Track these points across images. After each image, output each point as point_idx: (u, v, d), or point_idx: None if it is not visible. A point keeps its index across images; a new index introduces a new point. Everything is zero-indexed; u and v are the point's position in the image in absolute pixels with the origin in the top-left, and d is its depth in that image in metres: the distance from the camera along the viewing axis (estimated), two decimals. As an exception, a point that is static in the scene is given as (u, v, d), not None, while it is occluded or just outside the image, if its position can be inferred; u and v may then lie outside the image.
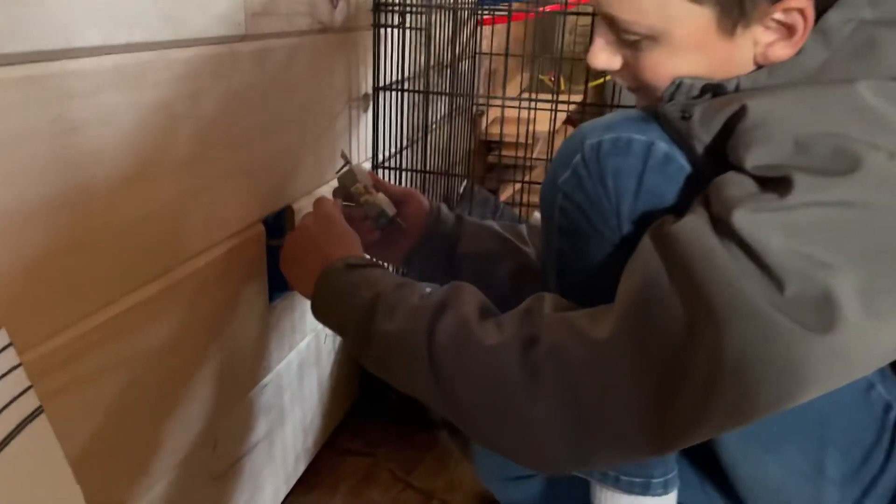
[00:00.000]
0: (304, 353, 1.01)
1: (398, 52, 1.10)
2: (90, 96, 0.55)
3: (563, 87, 2.58)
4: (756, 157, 0.55)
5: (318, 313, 0.74)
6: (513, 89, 2.18)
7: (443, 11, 1.28)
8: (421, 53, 1.17)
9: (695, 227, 0.55)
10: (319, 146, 0.95)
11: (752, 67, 0.61)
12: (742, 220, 0.52)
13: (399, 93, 1.11)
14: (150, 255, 0.65)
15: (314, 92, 0.91)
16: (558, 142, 2.19)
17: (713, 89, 0.61)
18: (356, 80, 1.03)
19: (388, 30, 1.08)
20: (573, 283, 0.71)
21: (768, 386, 0.51)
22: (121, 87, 0.58)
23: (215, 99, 0.70)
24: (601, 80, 2.73)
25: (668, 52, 0.61)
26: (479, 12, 1.53)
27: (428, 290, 0.70)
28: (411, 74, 1.18)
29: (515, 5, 1.73)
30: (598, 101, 2.79)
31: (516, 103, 1.57)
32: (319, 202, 0.82)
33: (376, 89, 1.07)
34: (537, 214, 1.70)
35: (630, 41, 0.62)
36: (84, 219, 0.57)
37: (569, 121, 2.39)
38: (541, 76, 2.79)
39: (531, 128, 1.90)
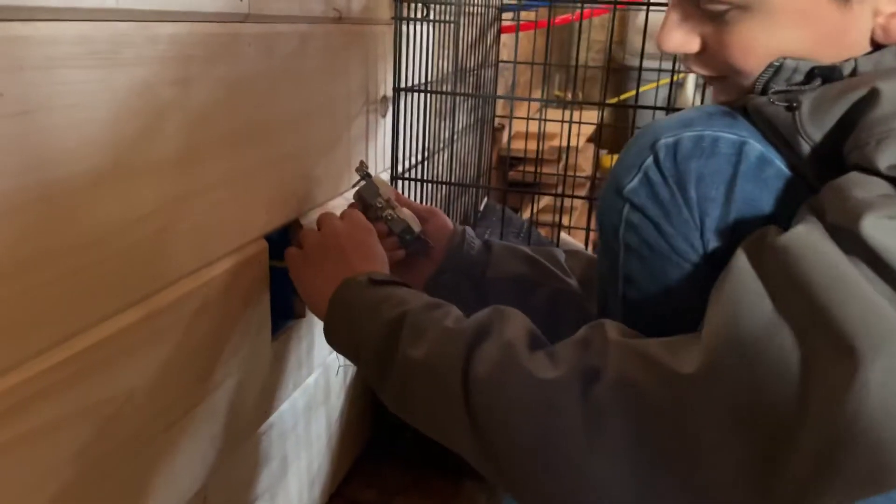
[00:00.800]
0: (312, 392, 0.87)
1: (423, 49, 0.98)
2: (46, 70, 0.43)
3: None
4: (893, 156, 0.42)
5: (332, 332, 0.63)
6: (534, 104, 2.07)
7: (469, 7, 1.17)
8: (447, 53, 1.05)
9: (809, 236, 0.43)
10: (333, 152, 0.83)
11: (866, 47, 0.50)
12: (875, 228, 0.40)
13: (424, 95, 0.99)
14: (127, 276, 0.53)
15: (327, 89, 0.80)
16: (581, 159, 2.08)
17: (824, 73, 0.49)
18: (374, 80, 0.91)
19: (411, 26, 0.96)
20: (645, 315, 0.59)
21: None
22: (87, 63, 0.46)
23: (209, 87, 0.58)
24: (626, 95, 2.63)
25: (765, 24, 0.49)
26: (515, 17, 1.42)
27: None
28: (434, 78, 1.06)
29: (525, 13, 1.62)
30: (623, 119, 2.69)
31: (550, 115, 1.45)
32: (350, 211, 0.73)
33: (397, 90, 0.95)
34: (565, 236, 1.58)
35: (715, 12, 0.50)
36: (40, 229, 0.44)
37: (591, 139, 2.29)
38: (556, 92, 2.69)
39: (558, 143, 1.79)
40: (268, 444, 0.78)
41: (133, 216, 0.52)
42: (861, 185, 0.43)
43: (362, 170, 0.77)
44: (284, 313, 0.80)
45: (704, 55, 0.54)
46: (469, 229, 0.81)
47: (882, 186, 0.43)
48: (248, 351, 0.71)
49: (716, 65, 0.54)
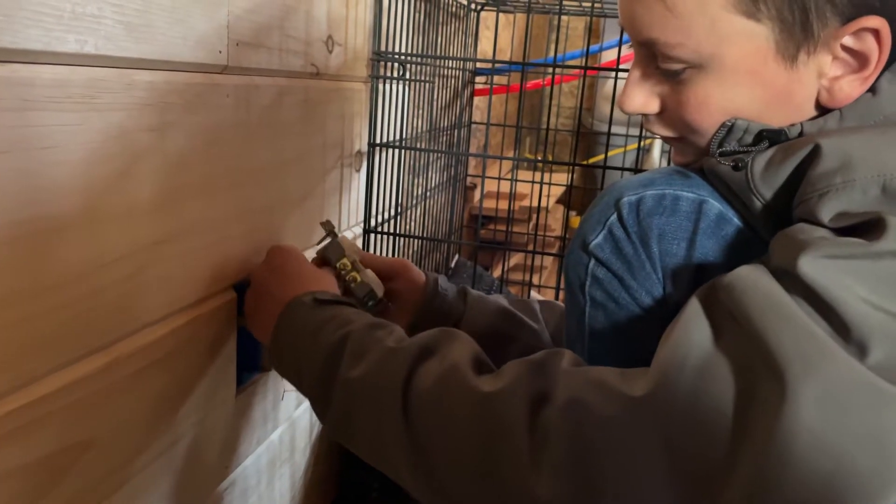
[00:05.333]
0: (276, 447, 0.85)
1: (398, 106, 1.00)
2: (21, 112, 0.43)
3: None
4: (834, 207, 0.45)
5: (276, 357, 0.62)
6: (505, 165, 2.10)
7: (443, 70, 1.20)
8: (421, 112, 1.07)
9: (752, 275, 0.44)
10: (306, 204, 0.83)
11: (812, 108, 0.52)
12: (811, 266, 0.41)
13: (398, 151, 1.00)
14: (92, 322, 0.51)
15: (303, 142, 0.80)
16: (551, 220, 2.11)
17: (771, 136, 0.52)
18: (350, 135, 0.93)
19: (387, 84, 0.98)
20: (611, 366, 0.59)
21: (857, 466, 0.38)
22: (63, 106, 0.46)
23: (185, 135, 0.58)
24: (595, 159, 2.70)
25: (718, 81, 0.51)
26: (488, 81, 1.46)
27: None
28: (409, 135, 1.08)
29: (497, 77, 1.67)
30: (591, 181, 2.75)
31: (521, 176, 1.48)
32: (272, 246, 0.71)
33: (371, 146, 0.96)
34: (535, 295, 1.59)
35: (672, 72, 0.53)
36: (5, 269, 0.43)
37: (560, 200, 2.33)
38: (527, 154, 2.75)
39: (528, 202, 1.82)
40: (229, 501, 0.75)
41: (102, 261, 0.51)
42: (801, 231, 0.45)
43: (328, 227, 0.76)
44: (250, 366, 0.79)
45: (664, 116, 0.56)
46: (442, 278, 0.80)
47: (824, 231, 0.44)
48: (212, 403, 0.69)
49: (674, 125, 0.56)
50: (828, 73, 0.50)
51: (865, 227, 0.43)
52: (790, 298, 0.41)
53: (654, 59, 0.53)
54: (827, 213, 0.44)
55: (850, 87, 0.50)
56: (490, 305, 0.79)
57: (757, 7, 0.48)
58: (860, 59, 0.49)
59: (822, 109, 0.52)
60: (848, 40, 0.48)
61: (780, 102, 0.51)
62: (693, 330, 0.44)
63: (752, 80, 0.51)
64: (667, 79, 0.54)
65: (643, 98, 0.56)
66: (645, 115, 0.57)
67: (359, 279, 0.73)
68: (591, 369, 0.49)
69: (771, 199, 0.50)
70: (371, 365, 0.54)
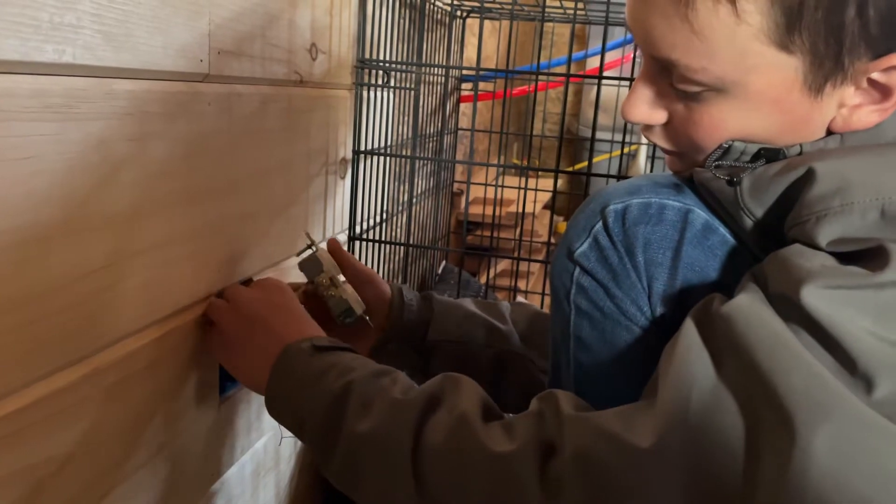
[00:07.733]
0: (261, 456, 0.85)
1: (383, 114, 1.00)
2: (-4, 122, 0.42)
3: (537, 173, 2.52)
4: (832, 232, 0.44)
5: (274, 405, 0.60)
6: (491, 170, 2.11)
7: (429, 76, 1.20)
8: (406, 118, 1.07)
9: (751, 306, 0.44)
10: (290, 211, 0.83)
11: (823, 132, 0.51)
12: (815, 297, 0.41)
13: (383, 158, 1.00)
14: (70, 333, 0.51)
15: (287, 149, 0.80)
16: (538, 226, 2.11)
17: (769, 156, 0.50)
18: (334, 142, 0.92)
19: (372, 91, 0.98)
20: (594, 377, 0.59)
21: None
22: (41, 117, 0.45)
23: (166, 144, 0.58)
24: (581, 165, 2.71)
25: (737, 106, 0.50)
26: (474, 87, 1.47)
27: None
28: (394, 142, 1.08)
29: (484, 84, 1.67)
30: (577, 187, 2.76)
31: (508, 182, 1.48)
32: (261, 280, 0.70)
33: (356, 153, 0.96)
34: (521, 300, 1.59)
35: (688, 92, 0.50)
36: (-24, 282, 0.43)
37: (548, 206, 2.33)
38: (514, 160, 2.76)
39: (515, 208, 1.82)
40: (212, 512, 0.75)
41: (81, 271, 0.51)
42: (803, 256, 0.44)
43: (307, 240, 0.75)
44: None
45: (667, 128, 0.55)
46: (405, 289, 0.79)
47: (823, 256, 0.44)
48: (194, 414, 0.68)
49: (677, 139, 0.54)
50: (849, 102, 0.49)
51: (867, 256, 0.42)
52: (794, 336, 0.41)
53: (667, 74, 0.51)
54: (824, 237, 0.44)
55: (868, 117, 0.49)
56: (457, 311, 0.79)
57: (791, 39, 0.46)
58: (883, 91, 0.48)
59: (830, 132, 0.51)
60: (875, 75, 0.47)
61: (796, 128, 0.50)
62: (694, 365, 0.44)
63: (773, 109, 0.49)
64: (680, 97, 0.51)
65: (648, 109, 0.54)
66: (646, 125, 0.56)
67: (336, 296, 0.72)
68: (593, 416, 0.48)
69: (761, 218, 0.49)
70: (377, 418, 0.53)
